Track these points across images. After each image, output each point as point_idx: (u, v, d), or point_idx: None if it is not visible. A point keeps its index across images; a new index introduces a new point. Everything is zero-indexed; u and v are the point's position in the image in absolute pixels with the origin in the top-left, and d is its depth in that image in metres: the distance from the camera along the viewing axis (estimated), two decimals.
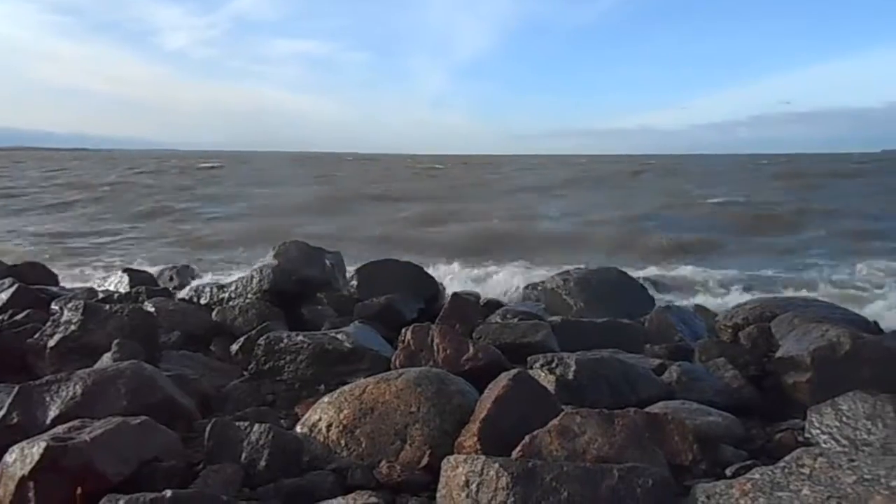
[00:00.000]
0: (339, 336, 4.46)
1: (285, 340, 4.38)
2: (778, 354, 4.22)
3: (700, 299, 8.36)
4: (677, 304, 7.06)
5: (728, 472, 2.89)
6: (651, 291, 7.80)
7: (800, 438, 3.39)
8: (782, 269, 11.91)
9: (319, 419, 3.26)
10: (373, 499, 2.52)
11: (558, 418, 2.84)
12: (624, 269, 7.97)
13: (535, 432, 2.80)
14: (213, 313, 5.73)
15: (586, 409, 2.90)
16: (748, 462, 3.00)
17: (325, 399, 3.43)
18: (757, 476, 2.26)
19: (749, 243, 15.51)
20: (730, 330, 5.10)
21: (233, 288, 6.20)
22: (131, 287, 7.19)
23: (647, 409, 3.16)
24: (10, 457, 2.68)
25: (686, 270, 11.11)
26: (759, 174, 44.73)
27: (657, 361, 4.47)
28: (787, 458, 2.30)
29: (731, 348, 4.74)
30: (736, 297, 8.14)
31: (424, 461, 2.96)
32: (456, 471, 2.46)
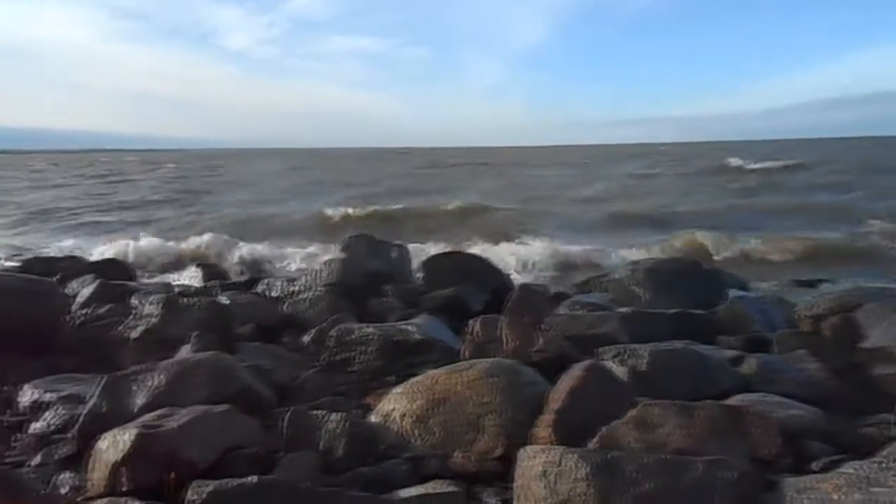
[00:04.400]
0: (408, 327, 4.49)
1: (356, 332, 4.44)
2: (865, 345, 4.04)
3: None
4: (753, 294, 6.81)
5: (815, 466, 2.78)
6: None
7: (887, 433, 3.23)
8: None
9: (393, 409, 3.30)
10: (452, 487, 2.53)
11: (636, 410, 2.79)
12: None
13: (611, 423, 2.76)
14: (284, 306, 5.87)
15: (664, 401, 2.84)
16: (836, 457, 2.89)
17: (398, 389, 3.45)
18: (850, 471, 2.17)
19: None
20: (811, 321, 4.89)
21: (302, 281, 6.34)
22: (205, 281, 7.44)
23: (724, 402, 3.08)
24: (102, 443, 2.81)
25: None
26: None
27: (733, 353, 4.33)
28: (883, 453, 2.20)
29: (812, 339, 4.56)
30: None
31: (499, 451, 2.95)
32: (533, 461, 2.45)
